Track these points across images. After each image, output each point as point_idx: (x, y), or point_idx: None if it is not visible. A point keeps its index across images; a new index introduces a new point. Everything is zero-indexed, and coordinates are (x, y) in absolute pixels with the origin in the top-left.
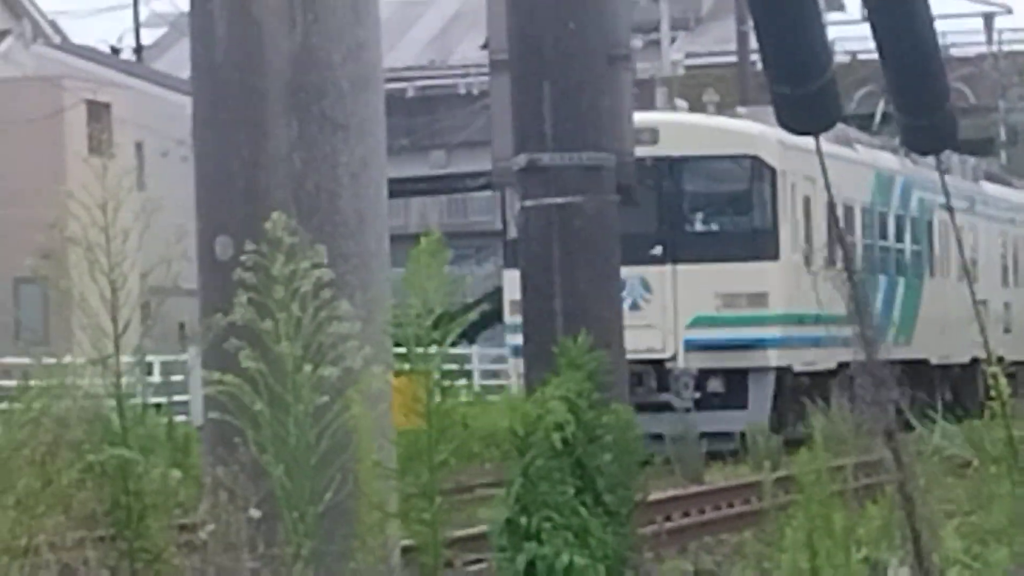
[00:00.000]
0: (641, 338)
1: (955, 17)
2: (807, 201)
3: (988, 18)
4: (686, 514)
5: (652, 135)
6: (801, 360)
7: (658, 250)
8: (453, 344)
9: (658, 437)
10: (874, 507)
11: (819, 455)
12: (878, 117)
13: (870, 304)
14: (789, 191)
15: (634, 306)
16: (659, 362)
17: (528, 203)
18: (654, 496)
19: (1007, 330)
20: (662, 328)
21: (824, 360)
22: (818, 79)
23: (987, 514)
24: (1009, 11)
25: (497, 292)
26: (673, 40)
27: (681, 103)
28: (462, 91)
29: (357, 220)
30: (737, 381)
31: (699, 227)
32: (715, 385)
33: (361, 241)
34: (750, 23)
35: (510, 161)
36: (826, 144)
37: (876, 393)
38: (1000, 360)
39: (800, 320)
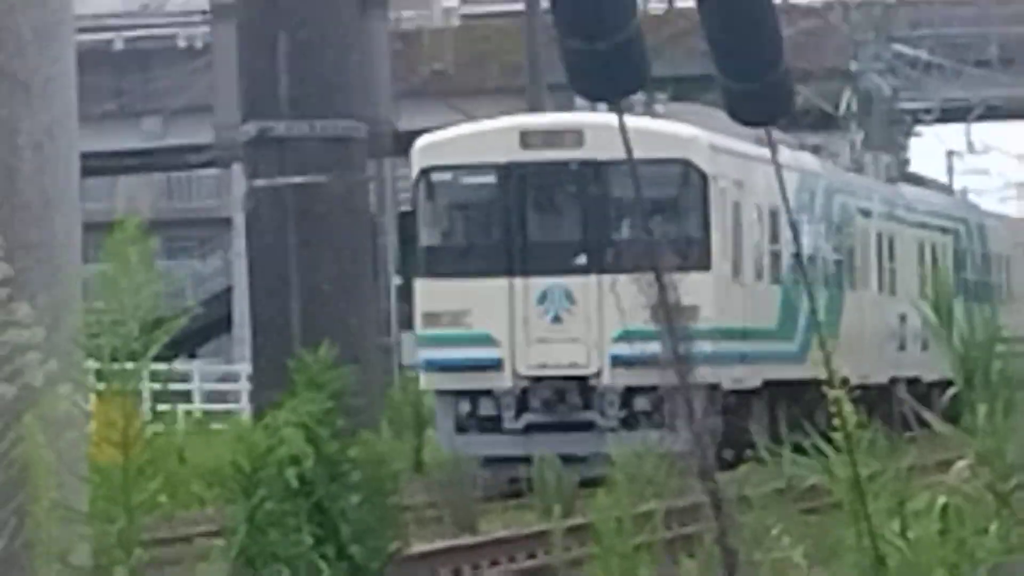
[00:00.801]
0: (564, 353)
1: None
2: (736, 207)
3: None
4: (456, 571)
5: (577, 137)
6: (730, 377)
7: (582, 259)
8: (165, 358)
9: (581, 460)
10: (690, 561)
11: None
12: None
13: (680, 315)
14: (720, 197)
15: (556, 318)
16: (583, 379)
17: (258, 183)
18: (416, 548)
19: (925, 347)
20: (586, 342)
21: (750, 378)
22: (620, 32)
23: (827, 570)
24: None
25: (226, 293)
26: None
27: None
28: (182, 43)
29: (42, 203)
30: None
31: (625, 234)
32: (642, 404)
33: (46, 228)
34: None
35: (237, 131)
36: (752, 147)
37: (691, 423)
38: (845, 382)
39: (729, 335)
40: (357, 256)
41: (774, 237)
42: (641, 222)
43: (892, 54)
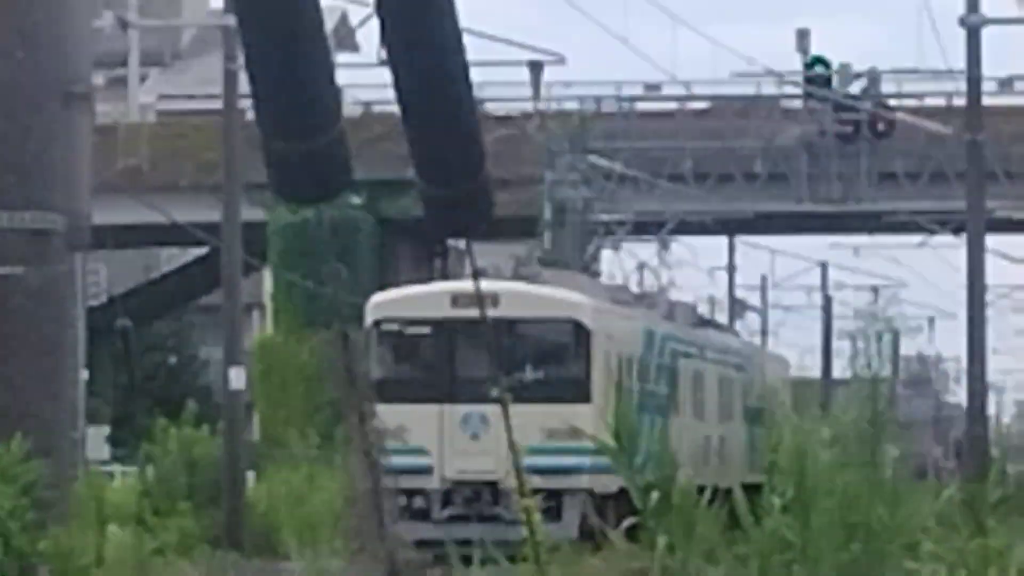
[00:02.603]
0: (479, 462)
1: (494, 65)
2: (607, 355)
3: (536, 68)
4: None
5: (494, 299)
6: (600, 484)
7: (495, 392)
8: None
9: (495, 544)
10: None
11: None
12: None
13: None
14: (599, 347)
15: (474, 436)
16: (493, 483)
17: None
18: None
19: (721, 460)
20: (496, 455)
21: (611, 485)
22: (324, 134)
23: None
24: (561, 60)
25: None
26: (143, 79)
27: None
28: None
29: None
30: (555, 499)
31: (529, 374)
32: (538, 502)
33: None
34: (241, 60)
35: None
36: (613, 307)
37: (380, 530)
38: (536, 492)
39: (600, 452)
40: (54, 348)
41: (630, 376)
42: (535, 369)
43: (587, 165)
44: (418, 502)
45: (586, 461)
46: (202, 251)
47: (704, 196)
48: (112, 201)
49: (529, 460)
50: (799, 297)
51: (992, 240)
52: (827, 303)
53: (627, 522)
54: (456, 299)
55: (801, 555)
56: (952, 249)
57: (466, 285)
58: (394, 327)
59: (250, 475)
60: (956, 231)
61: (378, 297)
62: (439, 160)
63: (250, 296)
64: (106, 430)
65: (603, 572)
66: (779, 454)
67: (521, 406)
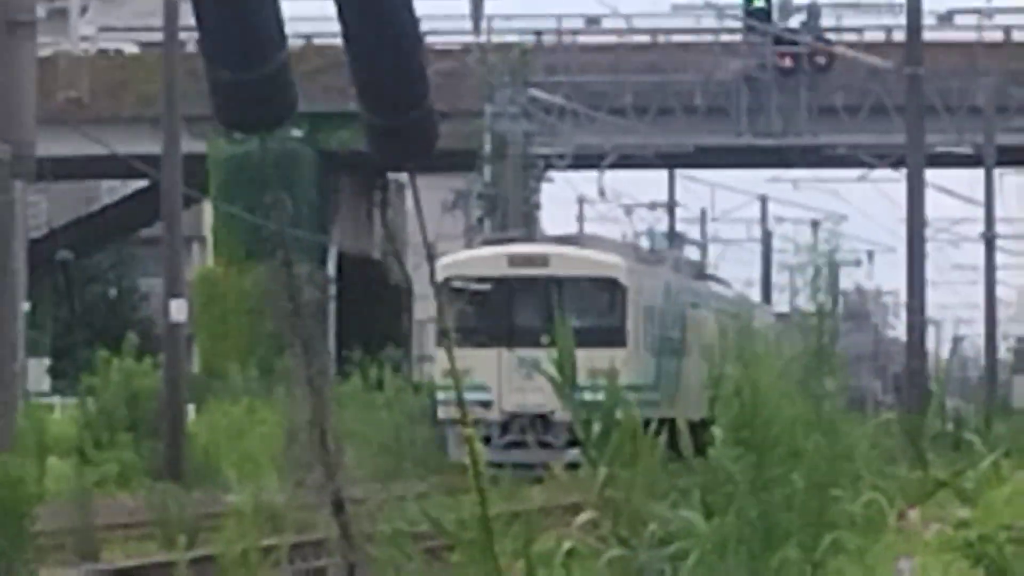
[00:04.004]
0: (532, 397)
1: None
2: (637, 307)
3: (476, 0)
4: None
5: (544, 260)
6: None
7: (545, 339)
8: None
9: (543, 467)
10: None
11: (248, 531)
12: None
13: (327, 373)
14: (633, 300)
15: (528, 375)
16: (544, 415)
17: None
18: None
19: None
20: (546, 391)
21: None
22: (267, 63)
23: None
24: None
25: None
26: (84, 11)
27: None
28: None
29: None
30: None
31: (575, 323)
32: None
33: None
34: None
35: None
36: (640, 265)
37: (323, 454)
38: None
39: (632, 389)
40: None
41: (654, 325)
42: (579, 319)
43: (527, 98)
44: (480, 431)
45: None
46: (143, 183)
47: (644, 130)
48: (53, 133)
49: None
50: (739, 231)
51: (931, 174)
52: (767, 237)
53: (570, 455)
54: (512, 259)
55: (743, 487)
56: (892, 183)
57: (521, 248)
58: (460, 284)
59: (190, 408)
60: (895, 165)
61: (446, 259)
62: (382, 89)
63: (190, 229)
64: (46, 362)
65: (538, 501)
66: (720, 386)
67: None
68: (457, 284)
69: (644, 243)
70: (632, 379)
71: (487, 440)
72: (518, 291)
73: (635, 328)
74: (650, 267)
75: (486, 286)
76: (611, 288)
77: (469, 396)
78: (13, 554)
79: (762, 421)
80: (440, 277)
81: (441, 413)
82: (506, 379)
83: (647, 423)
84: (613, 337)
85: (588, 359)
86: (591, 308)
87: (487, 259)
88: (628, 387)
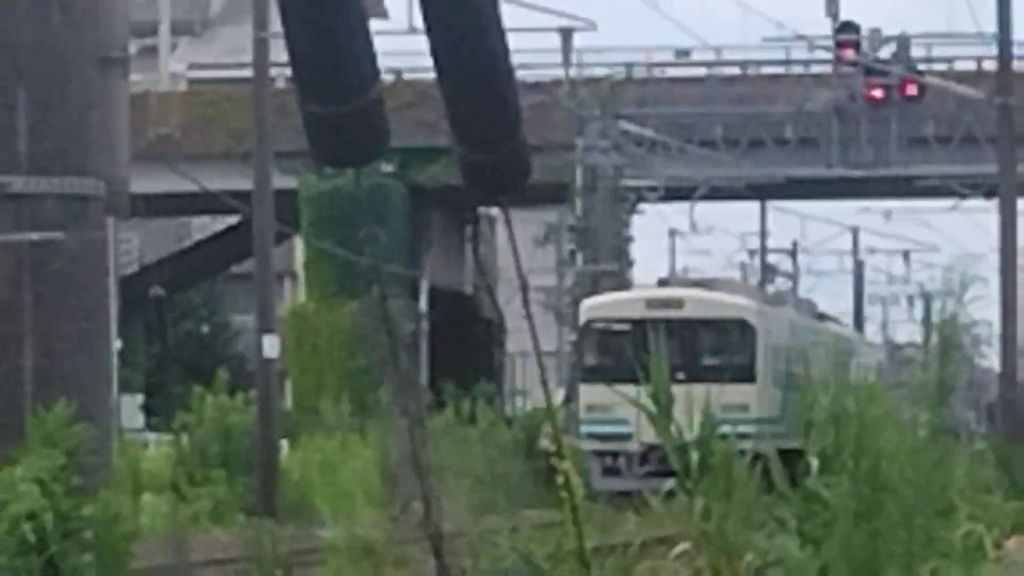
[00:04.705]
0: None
1: (524, 31)
2: (766, 345)
3: (566, 34)
4: None
5: (679, 303)
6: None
7: (681, 375)
8: None
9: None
10: None
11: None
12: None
13: (424, 406)
14: (763, 341)
15: None
16: (680, 447)
17: None
18: None
19: None
20: (684, 424)
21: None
22: (361, 97)
23: None
24: (592, 26)
25: None
26: (174, 47)
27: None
28: None
29: None
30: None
31: (707, 361)
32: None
33: None
34: (273, 28)
35: None
36: (767, 307)
37: (422, 487)
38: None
39: (760, 421)
40: (92, 314)
41: (780, 362)
42: (713, 357)
43: (618, 131)
44: (621, 461)
45: (752, 428)
46: (234, 219)
47: (735, 161)
48: (144, 170)
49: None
50: (830, 262)
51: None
52: (858, 268)
53: (668, 485)
54: (649, 303)
55: (836, 516)
56: (983, 213)
57: (657, 292)
58: (601, 325)
59: (283, 443)
60: (987, 194)
61: (589, 301)
62: (476, 123)
63: (282, 264)
64: (140, 399)
65: (634, 533)
66: (814, 413)
67: (701, 385)
68: (598, 325)
69: (736, 274)
70: (761, 412)
71: (626, 469)
72: (655, 331)
73: (763, 365)
74: (775, 308)
75: (626, 327)
76: (741, 329)
77: (611, 429)
78: None
79: (857, 450)
80: (583, 319)
81: (585, 445)
82: (645, 413)
83: (781, 453)
84: (744, 373)
85: (720, 394)
86: (724, 347)
87: (626, 302)
88: (757, 420)
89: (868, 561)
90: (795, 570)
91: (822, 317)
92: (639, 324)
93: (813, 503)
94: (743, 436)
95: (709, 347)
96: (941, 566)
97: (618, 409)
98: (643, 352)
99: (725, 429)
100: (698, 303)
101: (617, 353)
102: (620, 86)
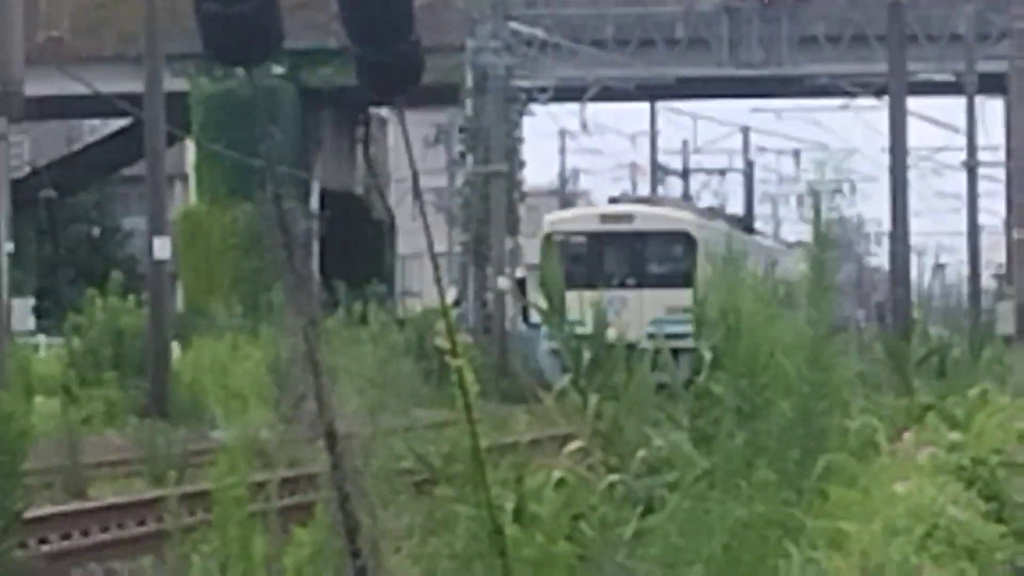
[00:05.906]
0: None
1: None
2: (706, 255)
3: None
4: (65, 537)
5: (630, 218)
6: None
7: (631, 281)
8: None
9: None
10: (303, 531)
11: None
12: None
13: (318, 306)
14: (701, 249)
15: (616, 312)
16: (631, 345)
17: None
18: (28, 512)
19: None
20: (632, 326)
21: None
22: None
23: (449, 535)
24: None
25: None
26: None
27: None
28: None
29: None
30: (674, 355)
31: (654, 269)
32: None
33: None
34: None
35: None
36: (705, 220)
37: (316, 387)
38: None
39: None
40: None
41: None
42: (659, 265)
43: (508, 32)
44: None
45: (691, 328)
46: (125, 122)
47: (625, 61)
48: (34, 72)
49: (654, 328)
50: (721, 161)
51: (913, 103)
52: (749, 167)
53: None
54: (603, 217)
55: (731, 411)
56: (874, 111)
57: (610, 208)
58: (561, 237)
59: (175, 345)
60: (878, 94)
61: (550, 216)
62: (371, 21)
63: (173, 167)
64: (31, 301)
65: (528, 432)
66: (705, 309)
67: (648, 291)
68: (558, 238)
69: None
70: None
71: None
72: (609, 244)
73: (703, 272)
74: (712, 222)
75: (582, 239)
76: (685, 239)
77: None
78: (7, 489)
79: (745, 346)
80: (546, 229)
81: (544, 345)
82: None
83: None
84: (685, 279)
85: (665, 298)
86: (668, 256)
87: (583, 217)
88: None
89: (753, 457)
90: (686, 467)
91: (750, 230)
92: (594, 236)
93: (704, 400)
94: (682, 336)
95: (656, 256)
96: (836, 461)
97: (572, 313)
98: (596, 260)
99: (666, 330)
100: (646, 217)
101: (575, 262)
102: None
